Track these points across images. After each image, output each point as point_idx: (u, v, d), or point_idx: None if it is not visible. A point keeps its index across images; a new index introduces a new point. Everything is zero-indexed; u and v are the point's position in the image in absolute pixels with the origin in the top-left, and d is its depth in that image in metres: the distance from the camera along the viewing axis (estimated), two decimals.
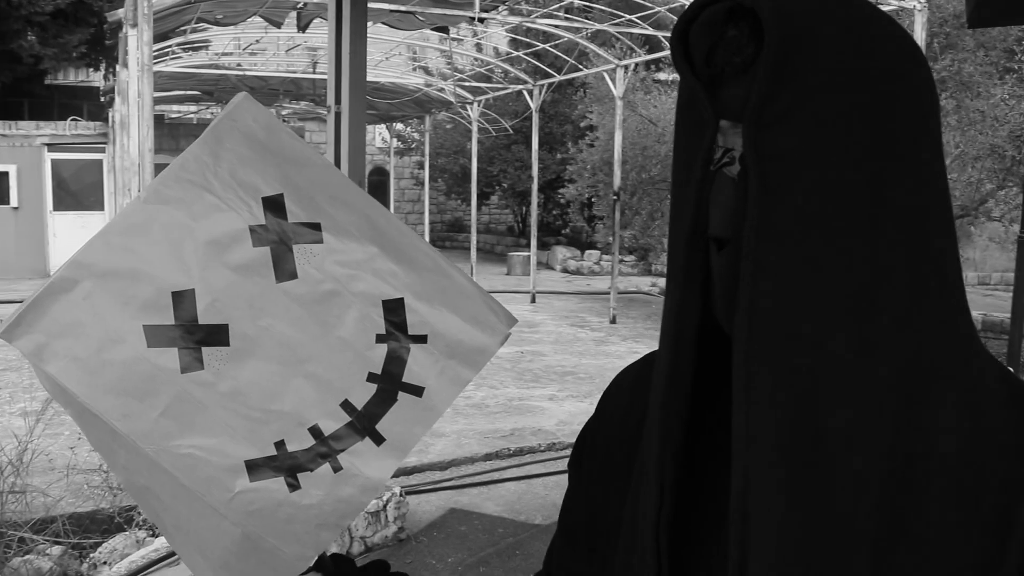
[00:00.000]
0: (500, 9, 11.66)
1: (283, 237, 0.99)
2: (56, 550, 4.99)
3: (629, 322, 14.22)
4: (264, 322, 0.98)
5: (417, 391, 1.00)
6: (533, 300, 15.97)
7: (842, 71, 0.68)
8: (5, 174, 17.57)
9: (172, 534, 1.06)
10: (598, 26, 12.49)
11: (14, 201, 17.74)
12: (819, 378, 0.67)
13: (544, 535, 5.58)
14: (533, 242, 16.01)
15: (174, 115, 20.40)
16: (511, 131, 20.38)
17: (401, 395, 1.00)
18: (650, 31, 12.34)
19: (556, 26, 12.88)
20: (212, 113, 23.06)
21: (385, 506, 5.53)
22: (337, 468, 0.97)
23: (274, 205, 0.99)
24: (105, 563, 4.84)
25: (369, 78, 15.64)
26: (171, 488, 0.98)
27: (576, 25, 12.73)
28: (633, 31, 12.56)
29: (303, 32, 10.17)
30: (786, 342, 0.68)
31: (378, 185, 26.56)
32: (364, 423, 0.99)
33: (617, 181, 13.59)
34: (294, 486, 0.96)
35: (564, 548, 0.98)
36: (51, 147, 18.12)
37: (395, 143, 24.61)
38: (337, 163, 5.26)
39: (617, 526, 0.86)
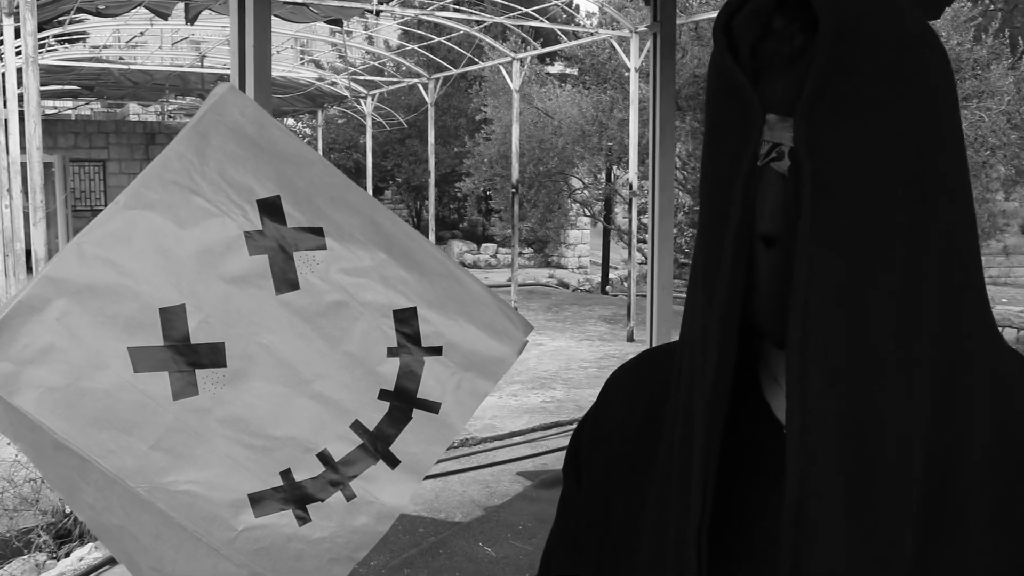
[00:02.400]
0: (391, 2, 11.53)
1: (282, 244, 0.89)
2: None
3: (530, 314, 14.28)
4: (264, 339, 0.88)
5: (433, 407, 0.92)
6: None
7: (889, 65, 0.68)
8: None
9: None
10: (494, 19, 12.47)
11: None
12: (869, 377, 0.67)
13: (466, 532, 5.53)
14: (431, 237, 15.92)
15: (50, 111, 19.44)
16: (406, 125, 20.20)
17: (416, 412, 0.91)
18: (545, 24, 12.41)
19: (450, 19, 12.81)
20: (92, 109, 22.10)
21: None
22: (350, 496, 0.88)
23: (271, 208, 0.89)
24: None
25: None
26: (153, 528, 0.88)
27: (471, 18, 12.68)
28: (527, 23, 12.60)
29: (191, 24, 9.81)
30: (838, 342, 0.67)
31: None
32: (377, 445, 0.90)
33: (515, 174, 13.62)
34: (304, 519, 0.87)
35: (564, 555, 0.95)
36: None
37: None
38: None
39: (628, 532, 0.82)
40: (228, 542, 0.86)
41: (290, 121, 23.38)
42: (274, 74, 15.86)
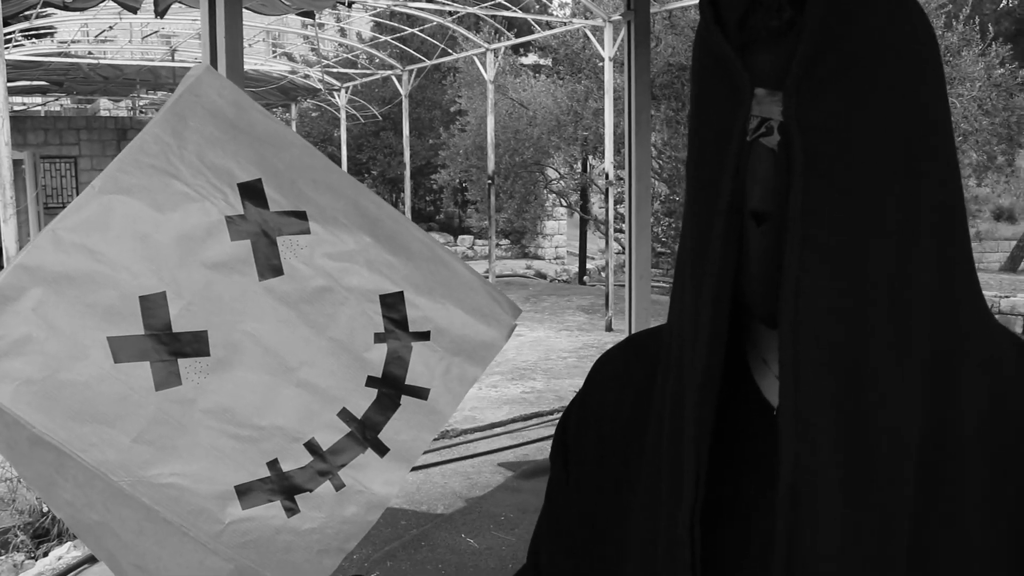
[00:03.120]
0: None
1: (265, 228, 0.87)
2: None
3: None
4: (248, 326, 0.85)
5: (422, 393, 0.90)
6: None
7: (879, 38, 0.67)
8: None
9: (131, 575, 0.92)
10: (467, 9, 12.42)
11: None
12: (863, 353, 0.66)
13: (448, 524, 5.52)
14: None
15: (19, 108, 19.16)
16: (380, 118, 20.10)
17: (404, 399, 0.89)
18: (518, 14, 12.37)
19: (423, 9, 12.74)
20: (62, 105, 21.82)
21: None
22: (339, 486, 0.86)
23: (252, 192, 0.86)
24: None
25: None
26: (135, 523, 0.85)
27: (445, 8, 12.62)
28: (500, 14, 12.56)
29: (161, 18, 9.67)
30: (831, 319, 0.66)
31: None
32: (365, 433, 0.88)
33: (491, 165, 13.59)
34: (292, 510, 0.85)
35: (553, 542, 0.94)
36: None
37: None
38: None
39: (617, 515, 0.81)
40: (215, 535, 0.83)
41: None
42: (246, 67, 15.73)
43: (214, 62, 4.92)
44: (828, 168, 0.66)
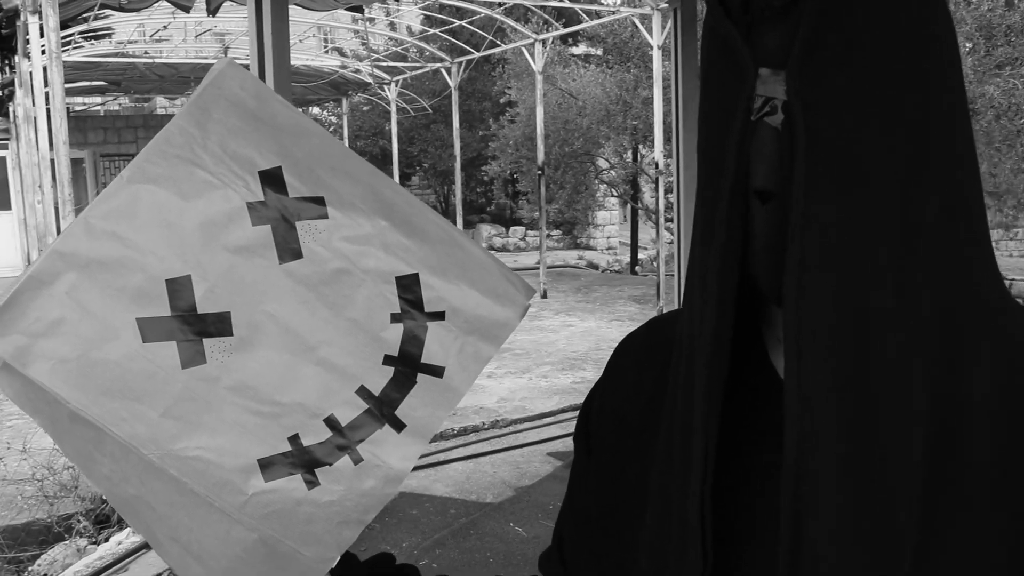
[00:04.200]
0: None
1: (285, 214, 0.90)
2: None
3: (560, 296, 14.27)
4: (269, 307, 0.89)
5: (437, 371, 0.93)
6: None
7: (886, 17, 0.66)
8: None
9: (166, 546, 0.97)
10: (515, 0, 12.41)
11: None
12: (868, 332, 0.65)
13: (497, 513, 5.56)
14: (458, 221, 15.92)
15: (79, 107, 19.64)
16: (430, 110, 20.19)
17: (420, 377, 0.92)
18: (566, 4, 12.32)
19: (472, 1, 12.76)
20: (120, 104, 22.30)
21: None
22: (357, 460, 0.90)
23: (273, 179, 0.90)
24: (46, 575, 4.64)
25: None
26: (167, 496, 0.89)
27: (494, 0, 12.63)
28: (549, 4, 12.52)
29: (213, 16, 9.84)
30: (835, 298, 0.66)
31: None
32: (383, 409, 0.91)
33: (541, 156, 13.59)
34: (312, 483, 0.88)
35: (575, 523, 0.94)
36: None
37: None
38: None
39: (636, 499, 0.82)
40: (239, 506, 0.87)
41: (315, 110, 23.46)
42: (297, 63, 15.95)
43: (261, 58, 5.00)
44: (832, 146, 0.65)
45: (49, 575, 4.64)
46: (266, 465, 0.87)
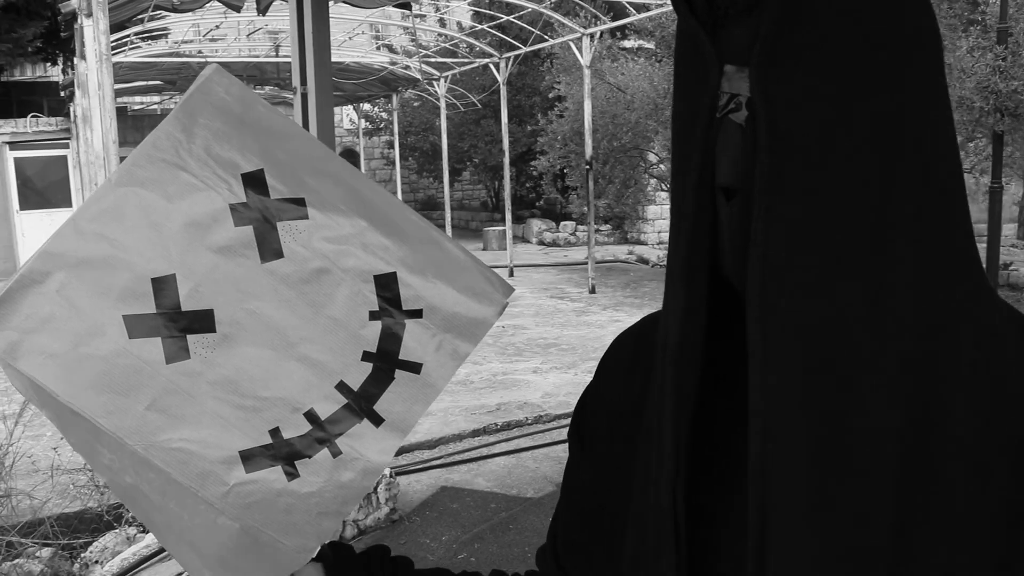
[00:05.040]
0: None
1: (266, 215, 0.94)
2: (46, 552, 4.93)
3: (608, 291, 14.22)
4: (251, 305, 0.93)
5: (415, 368, 0.95)
6: (511, 274, 15.94)
7: (853, 12, 0.65)
8: None
9: (164, 534, 1.01)
10: None
11: None
12: (835, 329, 0.65)
13: (537, 508, 5.58)
14: (508, 216, 15.93)
15: (137, 107, 20.07)
16: (479, 106, 20.24)
17: (398, 373, 0.95)
18: None
19: None
20: (176, 103, 22.74)
21: (376, 488, 5.50)
22: (336, 453, 0.93)
23: (255, 181, 0.93)
24: (96, 562, 4.78)
25: (333, 59, 15.50)
26: (160, 486, 0.93)
27: None
28: None
29: (263, 15, 9.98)
30: (800, 294, 0.65)
31: None
32: (361, 404, 0.94)
33: (589, 150, 13.55)
34: (292, 475, 0.92)
35: (568, 518, 0.95)
36: (12, 145, 17.78)
37: (363, 124, 24.39)
38: None
39: (624, 496, 0.82)
40: (221, 496, 0.91)
41: (366, 106, 23.66)
42: (347, 60, 16.10)
43: (303, 55, 5.08)
44: (796, 143, 0.65)
45: (100, 561, 4.77)
46: (247, 457, 0.90)
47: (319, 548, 0.96)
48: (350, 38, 14.85)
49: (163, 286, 0.90)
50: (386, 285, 0.95)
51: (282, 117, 0.97)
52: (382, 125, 24.87)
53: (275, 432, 0.91)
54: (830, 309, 0.65)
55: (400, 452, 6.90)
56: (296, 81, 5.17)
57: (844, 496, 0.64)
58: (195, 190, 0.92)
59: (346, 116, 26.05)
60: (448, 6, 15.75)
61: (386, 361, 0.94)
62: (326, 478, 0.92)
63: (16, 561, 4.85)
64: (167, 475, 0.90)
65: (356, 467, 0.93)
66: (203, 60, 14.58)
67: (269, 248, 0.93)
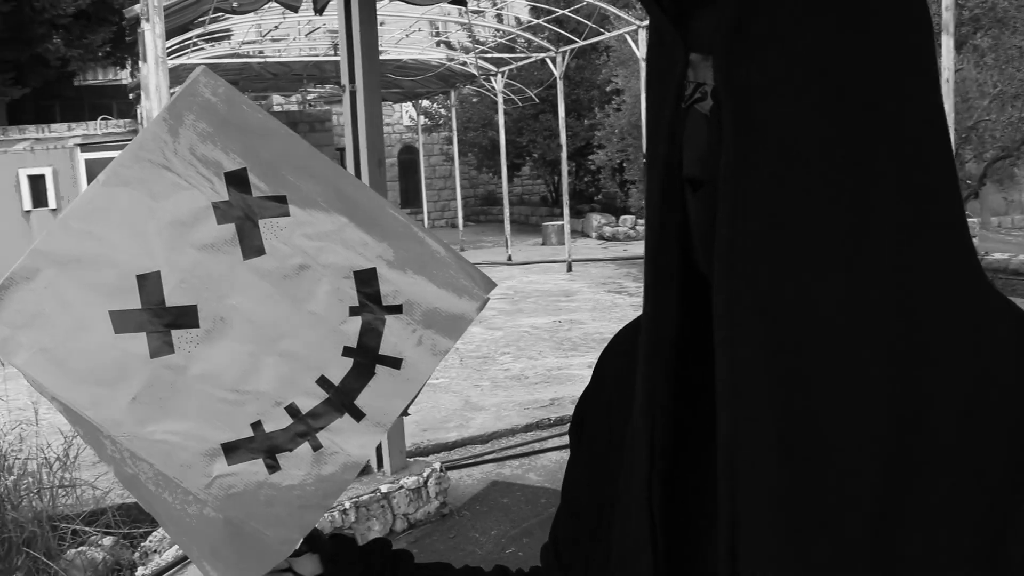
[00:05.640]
0: None
1: (248, 212, 0.96)
2: (108, 541, 5.09)
3: None
4: (233, 301, 0.95)
5: (395, 363, 0.96)
6: (569, 268, 15.90)
7: None
8: (41, 177, 17.74)
9: (165, 523, 1.04)
10: None
11: (52, 203, 17.94)
12: (805, 325, 0.63)
13: None
14: (566, 211, 15.89)
15: None
16: (537, 100, 20.22)
17: (379, 368, 0.96)
18: None
19: None
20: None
21: (426, 482, 5.55)
22: (316, 446, 0.94)
23: (237, 180, 0.95)
24: (155, 551, 4.92)
25: (391, 56, 15.69)
26: (154, 476, 0.96)
27: None
28: None
29: (320, 15, 10.11)
30: (769, 287, 0.63)
31: (408, 163, 26.56)
32: (342, 399, 0.95)
33: (645, 144, 13.42)
34: (274, 467, 0.94)
35: (566, 516, 0.96)
36: (84, 147, 18.31)
37: (422, 120, 24.55)
38: (355, 140, 5.25)
39: (612, 491, 0.82)
40: (204, 487, 0.93)
41: (425, 103, 23.83)
42: (405, 56, 16.23)
43: (351, 55, 5.15)
44: (762, 131, 0.63)
45: (158, 551, 4.91)
46: (230, 449, 0.92)
47: (302, 539, 0.98)
48: (407, 35, 14.96)
49: (148, 283, 0.93)
50: (366, 281, 0.96)
51: (267, 116, 0.99)
52: (441, 121, 25.01)
53: (257, 425, 0.94)
54: (801, 300, 0.63)
55: (452, 447, 6.95)
56: (345, 79, 5.24)
57: (818, 490, 0.63)
58: (179, 189, 0.94)
59: (405, 113, 26.27)
60: (506, 1, 15.75)
61: (366, 356, 0.96)
62: (307, 471, 0.94)
63: (80, 548, 5.02)
64: (154, 467, 0.93)
65: (337, 461, 0.94)
66: (263, 60, 14.85)
67: (251, 245, 0.95)
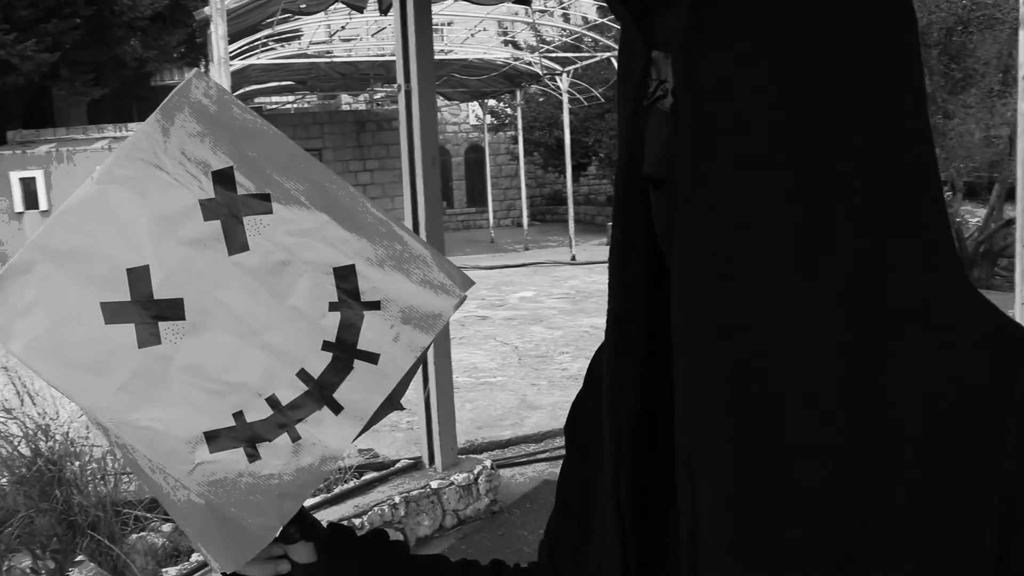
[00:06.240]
0: None
1: (233, 210, 0.99)
2: (167, 527, 5.24)
3: None
4: (218, 294, 0.98)
5: (373, 358, 0.99)
6: None
7: None
8: None
9: (165, 505, 1.08)
10: None
11: None
12: (763, 324, 0.62)
13: None
14: None
15: (272, 106, 20.94)
16: (603, 100, 20.14)
17: (357, 363, 0.99)
18: None
19: None
20: (309, 102, 23.61)
21: (476, 479, 5.60)
22: (295, 438, 0.97)
23: (223, 178, 0.99)
24: None
25: (456, 55, 15.79)
26: (147, 462, 1.00)
27: None
28: None
29: (385, 15, 10.25)
30: (726, 286, 0.62)
31: (475, 162, 26.68)
32: (322, 392, 0.98)
33: None
34: (254, 456, 0.97)
35: (559, 517, 0.97)
36: None
37: (489, 119, 24.64)
38: (409, 139, 5.31)
39: (599, 490, 0.83)
40: (187, 473, 0.97)
41: (492, 102, 23.92)
42: (470, 56, 16.34)
43: (406, 55, 5.22)
44: (721, 129, 0.62)
45: None
46: (212, 437, 0.96)
47: (281, 528, 1.01)
48: (472, 35, 15.05)
49: (137, 276, 0.97)
50: (345, 277, 0.99)
51: (255, 117, 1.03)
52: (507, 120, 25.08)
53: (239, 415, 0.97)
54: (759, 301, 0.62)
55: (506, 444, 6.98)
56: (400, 79, 5.31)
57: (776, 491, 0.62)
58: (169, 187, 0.98)
59: (472, 112, 26.40)
60: (573, 0, 15.72)
61: (344, 351, 0.98)
62: (286, 461, 0.97)
63: (141, 534, 5.18)
64: (139, 453, 0.97)
65: (315, 452, 0.97)
66: (331, 60, 15.08)
67: (236, 241, 0.98)
